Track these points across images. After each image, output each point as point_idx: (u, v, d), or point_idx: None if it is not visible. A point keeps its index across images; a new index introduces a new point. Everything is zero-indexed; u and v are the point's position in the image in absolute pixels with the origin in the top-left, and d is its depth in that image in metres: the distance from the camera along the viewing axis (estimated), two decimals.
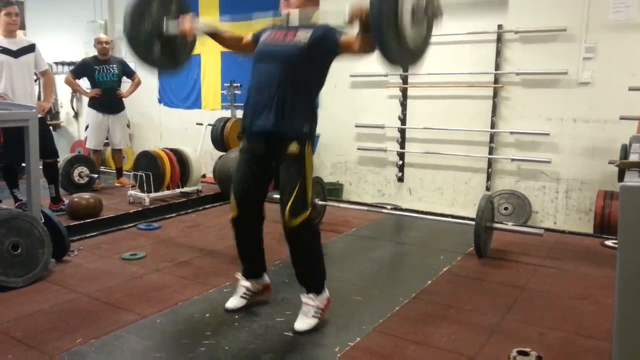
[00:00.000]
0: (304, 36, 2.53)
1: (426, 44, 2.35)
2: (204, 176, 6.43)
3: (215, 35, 2.88)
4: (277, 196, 2.61)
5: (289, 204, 2.48)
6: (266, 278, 2.95)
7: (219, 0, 7.12)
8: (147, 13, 2.80)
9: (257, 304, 2.88)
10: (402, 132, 5.86)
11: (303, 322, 2.60)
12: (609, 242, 4.06)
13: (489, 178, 5.44)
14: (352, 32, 2.44)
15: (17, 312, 2.79)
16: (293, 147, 2.52)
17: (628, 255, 1.14)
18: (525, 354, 2.17)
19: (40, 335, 2.54)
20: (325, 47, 2.54)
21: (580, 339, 2.53)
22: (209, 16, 7.17)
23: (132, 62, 7.22)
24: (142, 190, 5.21)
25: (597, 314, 2.80)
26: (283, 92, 2.50)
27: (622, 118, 4.50)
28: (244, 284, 2.87)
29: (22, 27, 8.34)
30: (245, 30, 6.47)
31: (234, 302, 2.84)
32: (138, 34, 2.79)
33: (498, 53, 5.21)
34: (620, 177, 3.24)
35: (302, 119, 2.55)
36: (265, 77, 2.57)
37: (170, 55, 2.96)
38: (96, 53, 6.01)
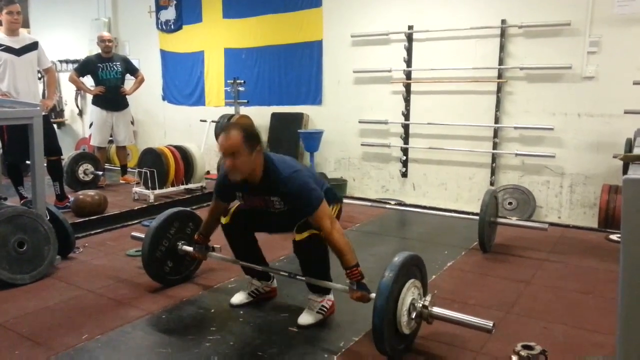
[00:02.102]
0: (279, 205, 2.55)
1: (416, 332, 2.43)
2: (208, 173, 6.44)
3: (208, 236, 2.97)
4: None
5: (298, 223, 2.53)
6: (274, 283, 2.97)
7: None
8: (166, 236, 3.05)
9: (261, 299, 2.89)
10: (406, 127, 5.85)
11: (307, 317, 2.62)
12: (613, 237, 4.05)
13: (493, 173, 5.43)
14: (322, 216, 2.43)
15: (24, 308, 2.81)
16: None
17: (631, 248, 1.14)
18: (530, 348, 2.17)
19: (46, 331, 2.56)
20: (301, 210, 2.49)
21: (585, 333, 2.53)
22: (212, 14, 7.17)
23: (136, 59, 7.26)
24: (147, 187, 5.23)
25: (602, 308, 2.80)
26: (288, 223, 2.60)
27: (626, 112, 4.48)
28: (255, 282, 2.89)
29: (26, 25, 8.37)
30: (248, 27, 6.50)
31: (240, 297, 2.86)
32: (156, 255, 3.02)
33: (502, 48, 5.19)
34: (625, 171, 3.23)
35: None
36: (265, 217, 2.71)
37: (180, 271, 3.17)
38: (100, 51, 6.02)
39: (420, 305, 2.31)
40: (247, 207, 2.70)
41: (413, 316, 2.29)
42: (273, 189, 2.50)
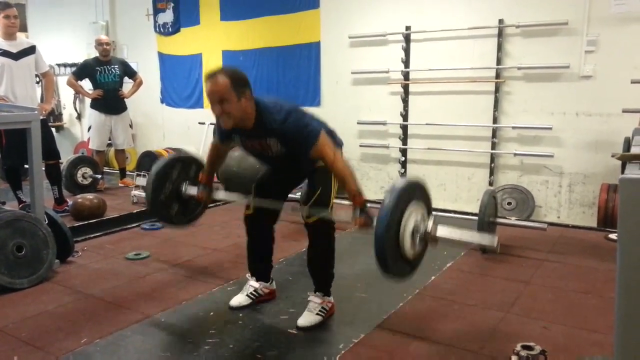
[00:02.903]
0: (276, 147, 2.50)
1: (422, 257, 2.43)
2: None
3: (212, 174, 2.98)
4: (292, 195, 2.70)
5: (307, 206, 2.56)
6: (273, 284, 2.98)
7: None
8: (169, 179, 3.03)
9: (260, 302, 2.89)
10: (404, 128, 5.85)
11: (307, 319, 2.62)
12: (612, 236, 4.05)
13: (491, 173, 5.43)
14: (323, 146, 2.43)
15: (22, 313, 2.80)
16: (321, 163, 2.55)
17: (628, 248, 1.14)
18: (530, 348, 2.17)
19: (45, 335, 2.55)
20: (300, 147, 2.46)
21: (585, 333, 2.53)
22: (209, 14, 7.17)
23: (134, 62, 7.26)
24: None
25: (601, 308, 2.80)
26: (290, 170, 2.68)
27: (624, 111, 4.48)
28: (253, 284, 2.89)
29: (24, 29, 8.38)
30: (246, 29, 6.49)
31: (239, 299, 2.86)
32: (159, 199, 3.00)
33: (499, 48, 5.19)
34: (623, 170, 3.22)
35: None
36: (269, 164, 2.74)
37: (187, 213, 3.17)
38: (97, 54, 6.02)
39: (423, 229, 2.26)
40: (247, 150, 2.67)
41: (417, 240, 2.24)
42: (269, 132, 2.46)
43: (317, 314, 2.63)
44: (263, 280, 2.91)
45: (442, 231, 2.29)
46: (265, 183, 2.78)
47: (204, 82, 2.49)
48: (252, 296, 2.87)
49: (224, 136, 2.67)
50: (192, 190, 3.00)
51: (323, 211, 2.54)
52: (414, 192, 2.31)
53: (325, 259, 2.68)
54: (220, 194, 2.97)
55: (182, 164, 3.09)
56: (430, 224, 2.30)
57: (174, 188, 3.03)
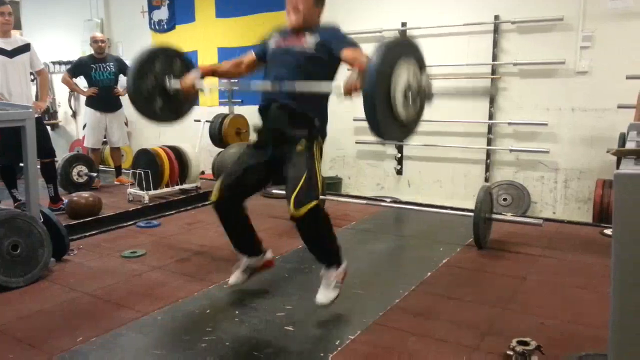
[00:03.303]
0: (311, 41, 2.57)
1: (418, 120, 2.36)
2: (202, 173, 6.43)
3: (215, 73, 2.96)
4: (277, 191, 2.64)
5: (293, 195, 2.42)
6: (268, 255, 2.95)
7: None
8: (151, 71, 2.90)
9: (257, 298, 2.89)
10: None
11: (326, 295, 2.59)
12: (608, 231, 4.06)
13: (487, 169, 5.43)
14: (354, 52, 2.49)
15: (18, 311, 2.79)
16: (302, 143, 2.55)
17: (623, 243, 1.14)
18: (526, 344, 2.18)
19: (41, 334, 2.54)
20: (330, 51, 2.56)
21: (580, 328, 2.53)
22: (205, 12, 7.15)
23: (129, 59, 7.23)
24: (141, 188, 5.21)
25: (597, 303, 2.80)
26: (293, 90, 2.54)
27: (620, 106, 4.49)
28: (242, 259, 2.88)
29: (18, 26, 8.32)
30: (242, 26, 6.49)
31: (235, 278, 2.87)
32: (142, 90, 2.89)
33: (495, 44, 5.19)
34: (619, 165, 3.23)
35: (313, 116, 2.62)
36: (278, 76, 2.60)
37: (172, 109, 3.05)
38: (92, 52, 6.00)
39: (416, 85, 2.18)
40: (272, 51, 2.68)
41: (410, 99, 2.16)
42: (315, 31, 2.59)
43: (334, 288, 2.61)
44: (254, 255, 2.89)
45: (437, 86, 2.24)
46: (237, 171, 2.70)
47: None
48: (247, 272, 2.88)
49: (265, 44, 2.75)
50: (177, 84, 2.91)
51: (312, 198, 2.43)
52: (403, 49, 2.23)
53: (325, 243, 2.64)
54: (205, 85, 2.87)
55: (165, 56, 2.97)
56: (424, 78, 2.23)
57: (158, 81, 2.91)
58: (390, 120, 2.15)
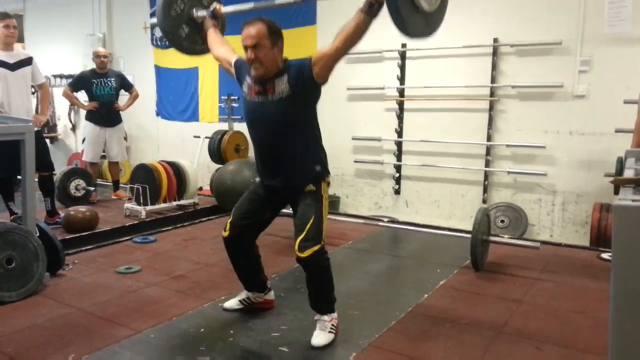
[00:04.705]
0: (281, 86, 2.52)
1: (442, 10, 2.35)
2: (200, 189, 6.43)
3: (217, 26, 3.06)
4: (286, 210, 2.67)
5: (301, 237, 2.49)
6: (270, 295, 2.97)
7: None
8: (177, 4, 3.06)
9: (252, 318, 2.87)
10: (399, 144, 5.87)
11: (321, 338, 2.57)
12: (605, 255, 4.05)
13: (485, 191, 5.44)
14: (318, 52, 2.50)
15: (11, 326, 2.77)
16: (309, 188, 2.59)
17: (622, 273, 1.14)
18: None
19: (33, 350, 2.52)
20: (304, 84, 2.52)
21: (577, 354, 2.51)
22: None
23: (130, 74, 7.27)
24: (139, 203, 5.20)
25: (594, 328, 2.79)
26: (284, 153, 2.58)
27: (617, 131, 4.51)
28: (245, 292, 2.90)
29: (21, 39, 8.39)
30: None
31: (231, 303, 2.89)
32: (170, 10, 3.03)
33: (494, 66, 5.24)
34: (617, 191, 3.23)
35: (311, 164, 2.62)
36: (262, 140, 2.66)
37: (195, 40, 3.19)
38: (94, 66, 6.03)
39: None
40: (247, 102, 2.66)
41: None
42: (284, 73, 2.53)
43: (329, 331, 2.60)
44: (256, 291, 2.90)
45: None
46: (244, 211, 2.74)
47: (242, 28, 2.54)
48: (243, 302, 2.88)
49: (236, 67, 2.78)
50: (203, 12, 3.07)
51: (317, 242, 2.49)
52: None
53: (325, 289, 2.65)
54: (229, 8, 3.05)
55: None
56: None
57: (186, 8, 3.07)
58: (416, 15, 2.16)
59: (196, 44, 3.19)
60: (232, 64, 2.81)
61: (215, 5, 3.09)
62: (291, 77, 2.51)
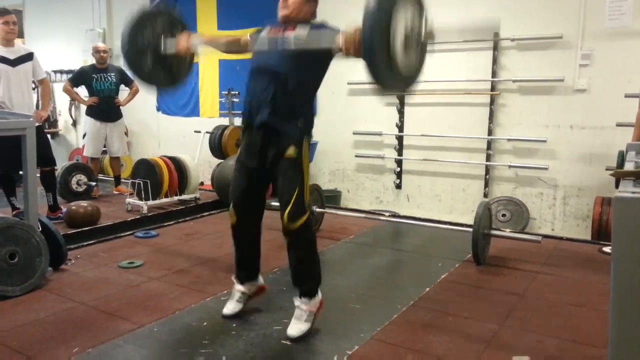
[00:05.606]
0: (301, 32, 2.51)
1: (419, 69, 2.34)
2: (202, 184, 6.43)
3: (212, 43, 2.95)
4: (276, 203, 2.64)
5: (288, 209, 2.50)
6: (260, 280, 2.96)
7: (217, 8, 7.13)
8: (145, 32, 2.87)
9: (254, 312, 2.88)
10: (400, 139, 5.87)
11: (296, 328, 2.59)
12: (606, 249, 4.06)
13: (486, 185, 5.44)
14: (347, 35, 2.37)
15: (14, 321, 2.78)
16: (290, 151, 2.54)
17: (622, 266, 1.14)
18: None
19: (36, 344, 2.53)
20: (326, 36, 2.48)
21: (579, 347, 2.52)
22: (207, 24, 7.20)
23: (130, 70, 7.25)
24: (140, 198, 5.21)
25: (596, 321, 2.80)
26: (279, 88, 2.52)
27: (618, 125, 4.52)
28: (239, 288, 2.88)
29: (21, 35, 8.37)
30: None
31: (230, 307, 2.85)
32: (136, 52, 2.86)
33: (494, 60, 5.23)
34: (618, 184, 3.24)
35: (298, 115, 2.58)
36: (262, 73, 2.60)
37: (169, 73, 3.02)
38: (94, 61, 6.02)
39: (417, 29, 2.12)
40: (261, 39, 2.63)
41: (412, 45, 2.11)
42: (305, 25, 2.52)
43: (305, 321, 2.61)
44: (248, 280, 2.89)
45: (438, 29, 2.18)
46: (240, 191, 2.72)
47: None
48: (241, 300, 2.87)
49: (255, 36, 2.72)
50: (172, 43, 2.85)
51: (304, 212, 2.51)
52: None
53: (311, 264, 2.66)
54: (199, 42, 2.82)
55: (169, 18, 2.95)
56: (423, 22, 2.18)
57: (153, 38, 2.86)
58: (392, 72, 2.10)
59: (165, 76, 3.03)
60: (250, 39, 2.76)
61: (197, 37, 2.90)
62: (316, 27, 2.53)
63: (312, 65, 2.57)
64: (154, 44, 2.90)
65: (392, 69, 2.09)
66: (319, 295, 2.70)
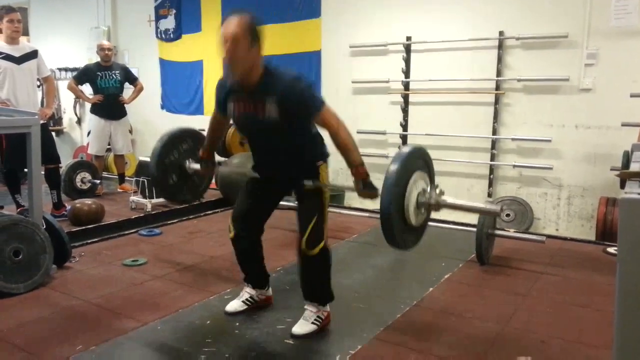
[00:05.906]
0: (272, 110, 2.37)
1: (425, 225, 2.55)
2: None
3: (213, 149, 3.02)
4: (284, 202, 2.69)
5: (306, 235, 2.51)
6: (269, 291, 2.97)
7: (221, 4, 7.13)
8: (172, 154, 3.15)
9: (257, 310, 2.88)
10: (404, 138, 5.86)
11: (303, 327, 2.60)
12: (611, 249, 4.05)
13: (490, 184, 5.43)
14: (328, 119, 2.42)
15: (18, 318, 2.79)
16: (308, 186, 2.58)
17: (628, 267, 1.14)
18: None
19: (40, 342, 2.54)
20: (302, 113, 2.41)
21: (583, 348, 2.52)
22: (211, 23, 7.20)
23: (135, 68, 7.27)
24: (144, 196, 5.22)
25: (600, 322, 2.79)
26: (281, 154, 2.57)
27: (623, 125, 4.49)
28: (249, 290, 2.90)
29: (26, 33, 8.38)
30: None
31: (234, 305, 2.86)
32: (164, 173, 3.12)
33: (499, 59, 5.21)
34: (623, 185, 3.23)
35: (311, 158, 2.61)
36: (257, 144, 2.67)
37: (192, 189, 3.34)
38: (99, 59, 6.03)
39: (428, 196, 2.38)
40: (237, 119, 2.57)
41: (422, 210, 2.37)
42: (271, 91, 2.34)
43: (313, 322, 2.62)
44: (259, 288, 2.91)
45: (447, 200, 2.41)
46: (242, 211, 2.73)
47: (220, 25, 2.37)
48: (247, 302, 2.87)
49: (222, 103, 2.61)
50: (195, 166, 3.10)
51: (321, 239, 2.53)
52: (416, 161, 2.39)
53: (325, 281, 2.68)
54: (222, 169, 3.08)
55: (192, 139, 3.22)
56: (434, 193, 2.40)
57: (179, 160, 3.15)
58: (406, 232, 2.35)
59: (189, 192, 3.33)
60: (221, 116, 2.71)
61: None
62: (282, 105, 2.35)
63: (299, 122, 2.48)
64: (178, 166, 3.18)
65: (405, 227, 2.35)
66: (328, 307, 2.71)
